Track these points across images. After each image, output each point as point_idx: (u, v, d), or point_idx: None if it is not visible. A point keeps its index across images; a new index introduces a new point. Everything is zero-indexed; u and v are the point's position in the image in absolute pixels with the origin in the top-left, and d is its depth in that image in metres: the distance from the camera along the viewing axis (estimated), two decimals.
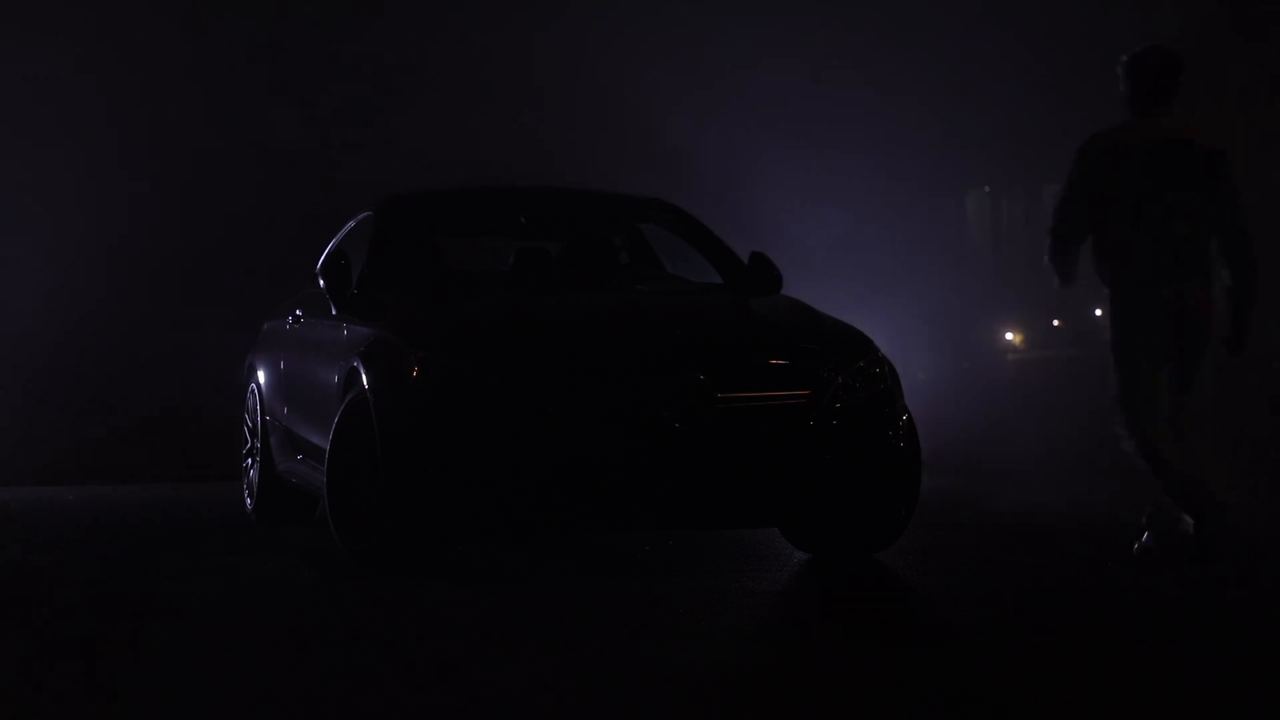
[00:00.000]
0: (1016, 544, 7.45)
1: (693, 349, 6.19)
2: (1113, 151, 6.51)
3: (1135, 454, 6.57)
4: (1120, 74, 6.64)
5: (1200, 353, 6.57)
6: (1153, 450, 6.50)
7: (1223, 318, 6.55)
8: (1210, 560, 6.33)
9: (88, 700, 4.16)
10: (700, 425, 6.00)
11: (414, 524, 6.08)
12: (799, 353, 6.30)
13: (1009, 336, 23.83)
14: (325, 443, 6.54)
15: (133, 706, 4.09)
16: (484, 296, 6.96)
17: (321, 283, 7.20)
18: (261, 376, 8.47)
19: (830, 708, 4.04)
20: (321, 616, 5.50)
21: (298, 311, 8.05)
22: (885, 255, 14.19)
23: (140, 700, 4.14)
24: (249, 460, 8.59)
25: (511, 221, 8.12)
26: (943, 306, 14.81)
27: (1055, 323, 27.41)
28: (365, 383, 6.24)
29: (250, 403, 8.64)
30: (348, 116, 14.29)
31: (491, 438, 5.94)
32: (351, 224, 8.08)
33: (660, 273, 7.85)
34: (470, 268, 8.30)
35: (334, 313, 7.12)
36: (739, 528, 7.07)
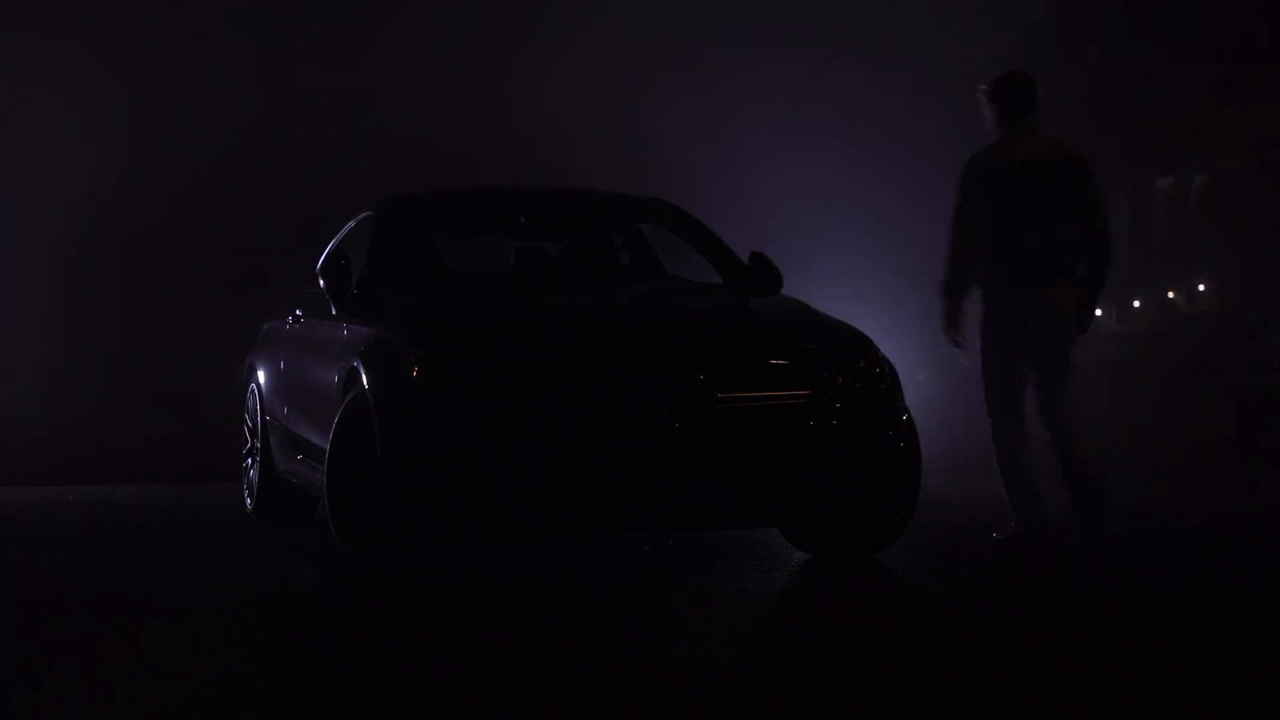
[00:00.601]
0: (1017, 544, 7.43)
1: (693, 349, 6.19)
2: (987, 170, 7.03)
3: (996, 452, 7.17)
4: (983, 99, 7.21)
5: (1066, 347, 7.07)
6: (1008, 453, 7.09)
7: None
8: (1018, 550, 6.96)
9: (88, 700, 4.16)
10: (700, 425, 6.00)
11: (414, 524, 6.08)
12: (799, 353, 6.30)
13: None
14: (325, 443, 6.54)
15: (133, 706, 4.09)
16: (484, 296, 6.96)
17: (321, 283, 7.20)
18: (261, 376, 8.47)
19: (830, 708, 4.04)
20: (321, 616, 5.50)
21: (298, 311, 8.05)
22: (885, 255, 14.19)
23: (140, 700, 4.14)
24: (249, 460, 8.59)
25: (511, 221, 8.12)
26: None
27: None
28: (365, 383, 6.24)
29: (250, 403, 8.64)
30: (348, 116, 14.28)
31: (491, 438, 5.94)
32: (351, 224, 8.08)
33: (660, 273, 7.85)
34: (470, 268, 8.30)
35: (334, 313, 7.12)
36: (739, 528, 7.07)
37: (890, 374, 6.48)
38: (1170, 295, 31.61)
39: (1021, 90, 7.17)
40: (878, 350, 6.52)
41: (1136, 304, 30.83)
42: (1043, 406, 7.11)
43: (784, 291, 7.28)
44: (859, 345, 6.47)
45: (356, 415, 6.26)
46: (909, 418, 6.52)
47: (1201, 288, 31.31)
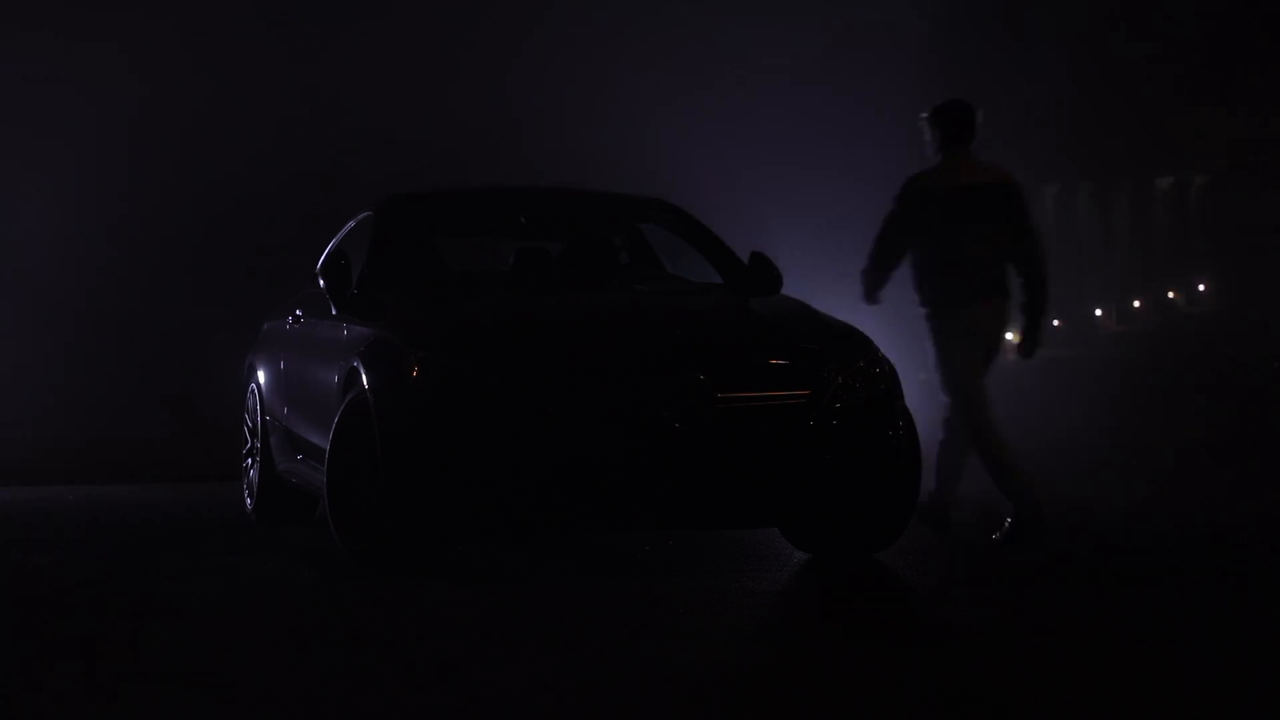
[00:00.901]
0: (1014, 540, 7.43)
1: (693, 349, 6.19)
2: (926, 191, 7.37)
3: (970, 442, 7.33)
4: (924, 125, 7.54)
5: (992, 360, 7.40)
6: (984, 440, 7.24)
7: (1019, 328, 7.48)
8: (1019, 546, 7.03)
9: (88, 700, 4.16)
10: (700, 425, 6.00)
11: (414, 524, 6.08)
12: (799, 353, 6.30)
13: (1009, 336, 23.90)
14: (325, 443, 6.54)
15: (133, 706, 4.09)
16: (484, 296, 6.96)
17: (321, 283, 7.20)
18: (261, 376, 8.47)
19: (830, 708, 4.04)
20: (321, 616, 5.50)
21: (298, 311, 8.05)
22: None
23: (140, 700, 4.15)
24: (249, 460, 8.59)
25: (511, 221, 8.11)
26: None
27: (1055, 323, 27.57)
28: (365, 383, 6.24)
29: (250, 403, 8.64)
30: (348, 117, 14.28)
31: (491, 438, 5.94)
32: (351, 224, 8.08)
33: (660, 273, 7.85)
34: (470, 268, 8.29)
35: (334, 313, 7.12)
36: (739, 528, 7.07)
37: (890, 374, 6.48)
38: (1170, 295, 31.65)
39: (961, 117, 7.47)
40: (878, 350, 6.53)
41: (1136, 304, 30.86)
42: (949, 410, 7.40)
43: (784, 291, 7.29)
44: (859, 345, 6.47)
45: (356, 415, 6.25)
46: (909, 417, 6.52)
47: (1201, 288, 31.33)
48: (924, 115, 7.54)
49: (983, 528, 7.44)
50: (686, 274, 7.71)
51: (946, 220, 7.29)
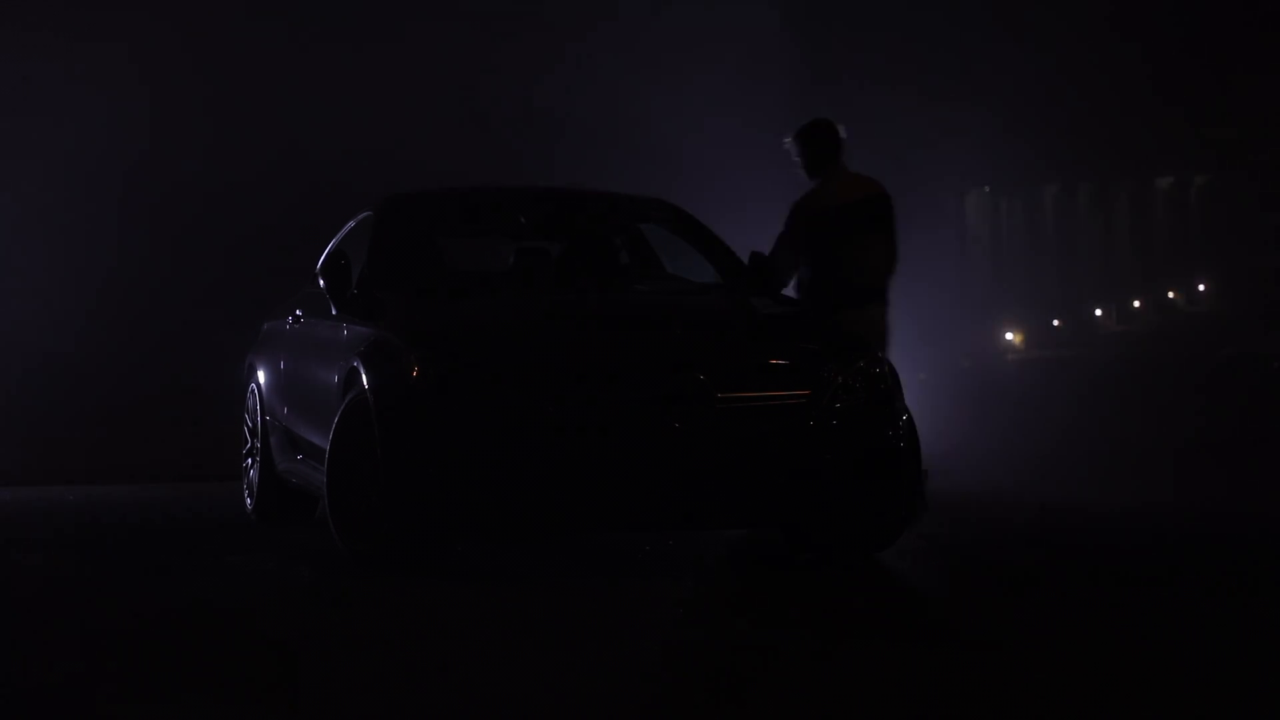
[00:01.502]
0: (1017, 544, 7.45)
1: (693, 349, 6.19)
2: (811, 209, 7.63)
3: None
4: (791, 148, 7.80)
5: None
6: None
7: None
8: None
9: (88, 700, 4.16)
10: (700, 425, 6.00)
11: (414, 524, 6.08)
12: (799, 353, 6.30)
13: (1009, 336, 23.95)
14: (325, 443, 6.54)
15: (133, 706, 4.09)
16: (484, 296, 6.96)
17: (321, 283, 7.20)
18: (261, 376, 8.47)
19: (830, 708, 4.04)
20: (321, 616, 5.50)
21: (298, 311, 8.05)
22: None
23: (140, 700, 4.15)
24: (249, 460, 8.59)
25: (511, 221, 8.12)
26: (943, 306, 14.81)
27: (1055, 323, 27.60)
28: (365, 383, 6.24)
29: (250, 403, 8.64)
30: (349, 117, 14.28)
31: (491, 438, 5.94)
32: (351, 224, 8.08)
33: (660, 273, 7.85)
34: (470, 268, 8.29)
35: (334, 313, 7.12)
36: (739, 528, 7.07)
37: (890, 374, 6.48)
38: (1170, 295, 31.67)
39: (827, 136, 7.74)
40: (878, 350, 6.52)
41: (1136, 304, 30.87)
42: None
43: (784, 292, 7.29)
44: (859, 345, 6.47)
45: (356, 415, 6.26)
46: (909, 417, 6.52)
47: (1201, 288, 31.34)
48: (788, 139, 7.79)
49: (982, 527, 7.44)
50: (686, 274, 7.71)
51: (835, 236, 7.55)
